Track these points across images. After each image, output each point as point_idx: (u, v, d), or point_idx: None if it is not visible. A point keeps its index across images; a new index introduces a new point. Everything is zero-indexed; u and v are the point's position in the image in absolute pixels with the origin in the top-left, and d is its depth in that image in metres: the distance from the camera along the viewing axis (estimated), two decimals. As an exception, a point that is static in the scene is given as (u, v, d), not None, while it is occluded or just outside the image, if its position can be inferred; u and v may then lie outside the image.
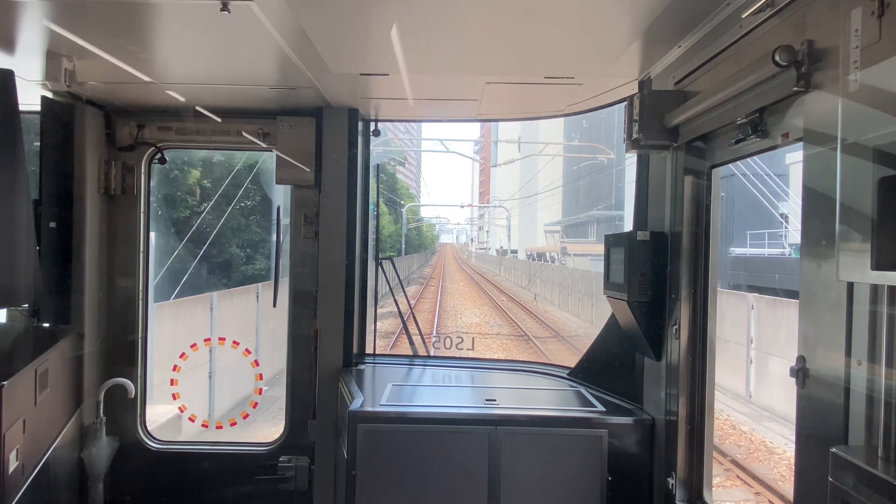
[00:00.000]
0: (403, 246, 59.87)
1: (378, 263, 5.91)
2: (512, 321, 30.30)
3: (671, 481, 3.85)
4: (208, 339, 6.40)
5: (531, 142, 47.22)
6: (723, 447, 12.88)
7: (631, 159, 4.63)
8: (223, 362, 13.72)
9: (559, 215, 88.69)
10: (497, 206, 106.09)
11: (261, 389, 7.38)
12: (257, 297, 17.48)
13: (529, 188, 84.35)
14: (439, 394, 5.08)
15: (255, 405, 7.21)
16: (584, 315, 31.30)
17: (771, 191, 26.48)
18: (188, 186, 21.06)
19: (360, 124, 5.46)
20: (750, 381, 17.30)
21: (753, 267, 28.10)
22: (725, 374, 17.96)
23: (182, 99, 4.94)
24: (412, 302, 27.02)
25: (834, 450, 2.17)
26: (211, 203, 19.06)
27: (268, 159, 21.30)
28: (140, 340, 5.38)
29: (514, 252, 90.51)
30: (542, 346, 23.20)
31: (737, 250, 31.58)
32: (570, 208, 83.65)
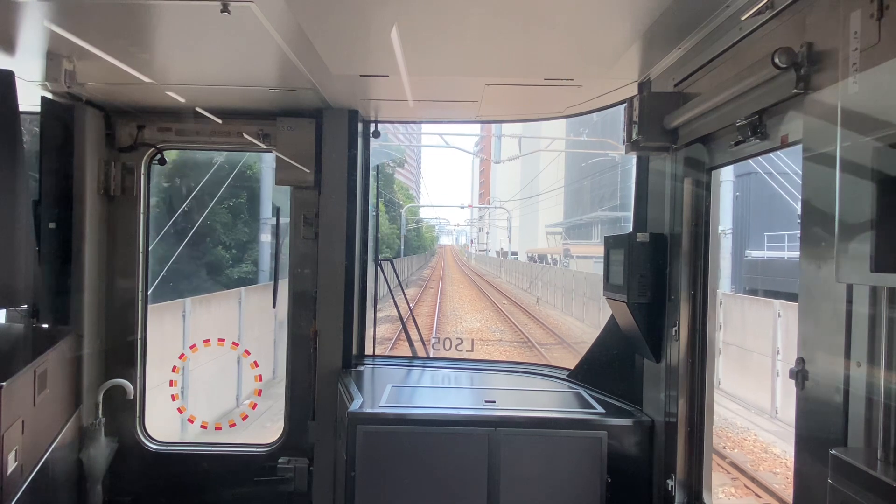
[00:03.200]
0: (402, 247, 58.39)
1: (378, 265, 5.91)
2: (514, 326, 28.84)
3: (670, 483, 3.85)
4: (207, 341, 6.39)
5: (535, 136, 46.00)
6: (757, 475, 11.50)
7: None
8: (200, 374, 12.27)
9: (561, 216, 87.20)
10: (498, 206, 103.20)
11: (260, 391, 7.38)
12: (240, 302, 15.67)
13: (531, 189, 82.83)
14: (439, 395, 5.08)
15: (255, 406, 7.20)
16: (589, 320, 29.59)
17: (794, 188, 25.10)
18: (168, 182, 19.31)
19: (360, 125, 5.46)
20: (776, 395, 15.74)
21: (772, 270, 26.42)
22: (750, 389, 16.62)
23: (182, 100, 4.94)
24: (410, 306, 26.29)
25: (833, 451, 2.17)
26: (191, 198, 17.26)
27: (255, 156, 20.68)
28: (139, 341, 5.38)
29: (515, 254, 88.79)
30: (548, 354, 22.30)
31: (753, 253, 29.37)
32: (573, 209, 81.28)
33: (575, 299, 33.74)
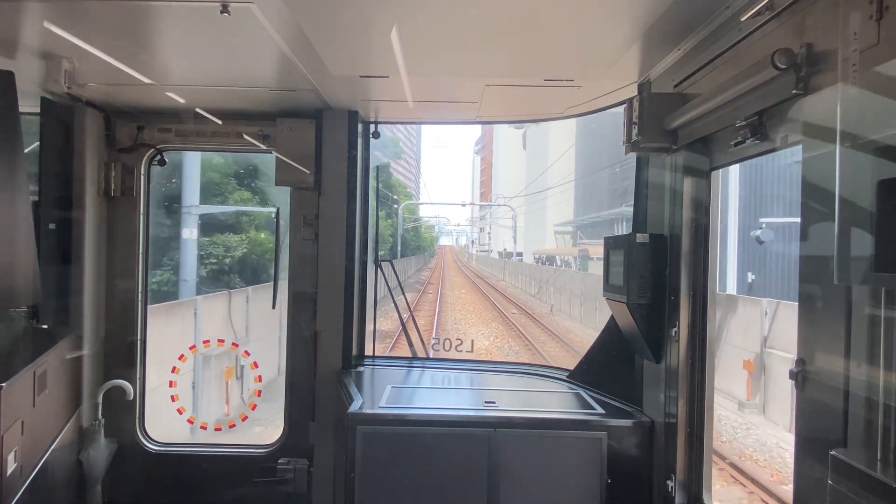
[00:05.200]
0: (399, 248, 54.14)
1: (378, 266, 5.91)
2: (532, 347, 24.04)
3: (670, 484, 3.85)
4: (207, 341, 6.38)
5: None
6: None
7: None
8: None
9: (570, 214, 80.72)
10: (502, 204, 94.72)
11: (260, 391, 7.38)
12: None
13: (537, 186, 78.00)
14: (438, 396, 5.07)
15: (255, 407, 7.19)
16: None
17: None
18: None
19: (360, 126, 5.47)
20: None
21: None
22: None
23: (182, 101, 4.95)
24: (410, 307, 22.59)
25: (833, 452, 2.17)
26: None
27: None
28: (139, 342, 5.38)
29: (520, 255, 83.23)
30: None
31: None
32: (586, 206, 71.54)
33: (600, 309, 27.76)
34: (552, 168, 66.18)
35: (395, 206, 55.83)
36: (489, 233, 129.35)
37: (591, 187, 67.01)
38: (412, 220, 73.60)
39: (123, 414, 5.29)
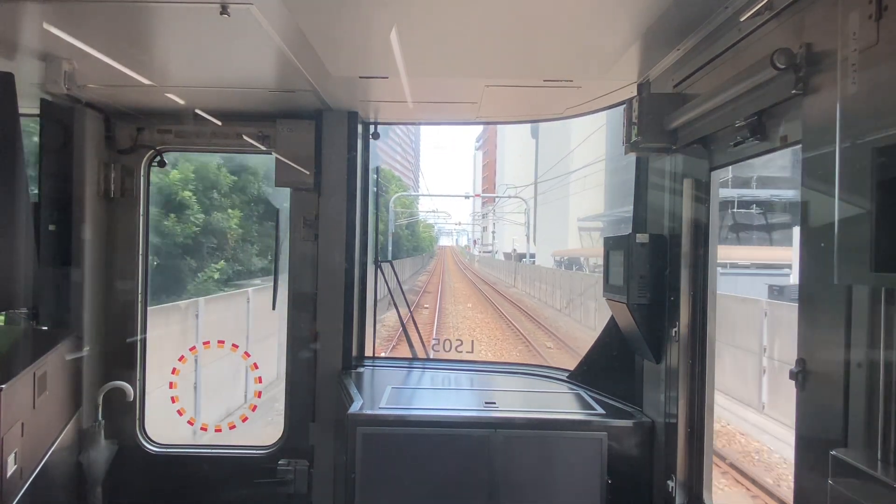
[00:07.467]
0: (390, 248, 44.80)
1: (378, 266, 5.91)
2: None
3: (671, 484, 3.85)
4: (207, 342, 6.38)
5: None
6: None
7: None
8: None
9: (600, 206, 63.74)
10: (513, 195, 74.71)
11: (260, 392, 7.38)
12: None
13: (551, 175, 63.35)
14: (439, 397, 5.07)
15: (255, 408, 7.19)
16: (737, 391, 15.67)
17: None
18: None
19: (360, 127, 5.47)
20: None
21: None
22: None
23: (181, 102, 4.95)
24: (391, 344, 19.26)
25: (834, 452, 2.17)
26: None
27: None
28: (139, 343, 5.38)
29: (532, 256, 66.84)
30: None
31: None
32: (626, 195, 51.03)
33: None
34: (574, 153, 54.90)
35: (376, 188, 47.17)
36: (493, 231, 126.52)
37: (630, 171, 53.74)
38: (406, 215, 64.74)
39: (123, 415, 5.29)
